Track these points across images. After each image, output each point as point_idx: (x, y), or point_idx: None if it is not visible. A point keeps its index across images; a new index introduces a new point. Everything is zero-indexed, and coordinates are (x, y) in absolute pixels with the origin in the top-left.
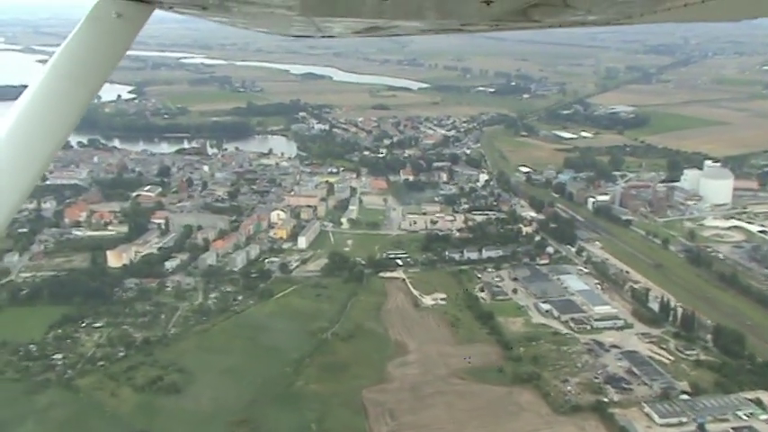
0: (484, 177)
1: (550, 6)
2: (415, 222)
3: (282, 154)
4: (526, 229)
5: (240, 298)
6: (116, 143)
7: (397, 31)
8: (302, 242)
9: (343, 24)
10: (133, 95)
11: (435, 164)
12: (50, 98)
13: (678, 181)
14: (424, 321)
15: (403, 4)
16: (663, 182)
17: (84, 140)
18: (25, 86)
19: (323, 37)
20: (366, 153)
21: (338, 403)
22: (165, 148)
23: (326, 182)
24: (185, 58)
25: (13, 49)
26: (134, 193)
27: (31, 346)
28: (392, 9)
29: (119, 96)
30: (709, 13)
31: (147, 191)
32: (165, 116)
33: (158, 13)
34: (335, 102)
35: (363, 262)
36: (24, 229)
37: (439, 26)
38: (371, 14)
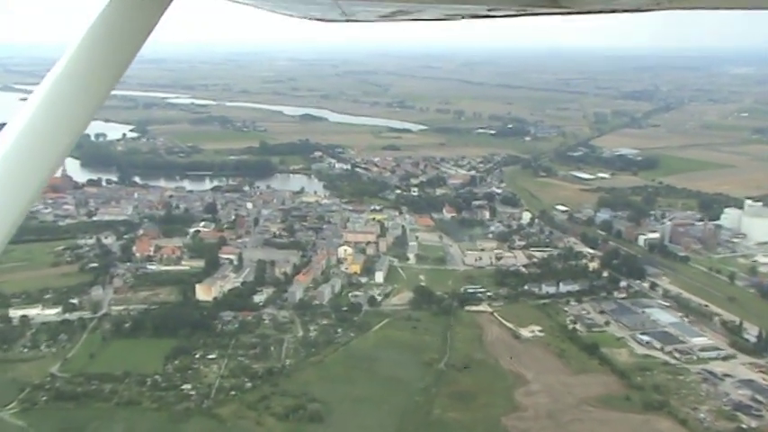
0: (527, 215)
1: None
2: (480, 258)
3: (315, 192)
4: (592, 265)
5: (340, 330)
6: (137, 180)
7: (422, 15)
8: (379, 276)
9: (368, 8)
10: (136, 134)
11: (474, 202)
12: (74, 80)
13: (717, 219)
14: (530, 352)
15: None
16: (703, 220)
17: (114, 178)
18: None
19: (347, 21)
20: (398, 192)
21: (482, 431)
22: (188, 185)
23: (374, 219)
24: (171, 98)
25: None
26: (191, 229)
27: (156, 376)
28: None
29: (124, 135)
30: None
31: (202, 227)
32: (181, 155)
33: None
34: (342, 142)
35: (446, 296)
36: (95, 264)
37: (465, 11)
38: None
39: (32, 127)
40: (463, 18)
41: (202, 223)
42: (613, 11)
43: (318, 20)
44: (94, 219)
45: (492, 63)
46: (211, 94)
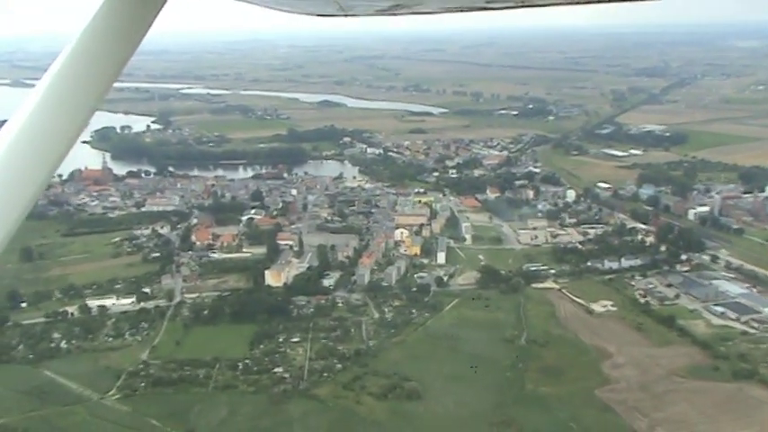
0: (572, 193)
1: None
2: (536, 237)
3: (354, 177)
4: (648, 240)
5: (414, 311)
6: (172, 170)
7: (420, 9)
8: (441, 257)
9: (367, 2)
10: (160, 126)
11: (516, 182)
12: (73, 78)
13: (763, 191)
14: (607, 326)
15: None
16: (751, 192)
17: (146, 169)
18: None
19: (345, 15)
20: (436, 174)
21: (580, 403)
22: (223, 174)
23: (419, 201)
24: (185, 88)
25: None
26: (243, 217)
27: (246, 361)
28: None
29: (148, 126)
30: None
31: (254, 214)
32: (211, 144)
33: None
34: (366, 127)
35: (511, 274)
36: (156, 254)
37: (463, 4)
38: None
39: (32, 124)
40: (462, 11)
41: (253, 211)
42: (610, 0)
43: (316, 15)
44: (143, 209)
45: (492, 44)
46: (224, 83)
